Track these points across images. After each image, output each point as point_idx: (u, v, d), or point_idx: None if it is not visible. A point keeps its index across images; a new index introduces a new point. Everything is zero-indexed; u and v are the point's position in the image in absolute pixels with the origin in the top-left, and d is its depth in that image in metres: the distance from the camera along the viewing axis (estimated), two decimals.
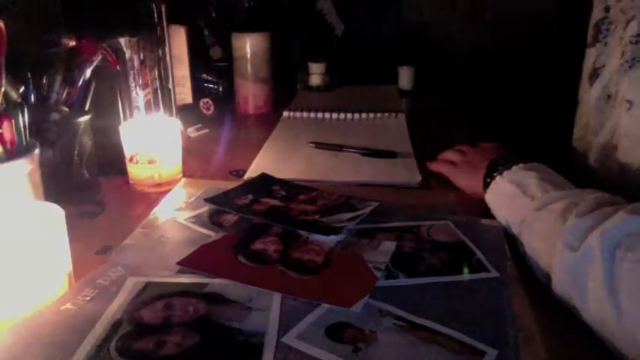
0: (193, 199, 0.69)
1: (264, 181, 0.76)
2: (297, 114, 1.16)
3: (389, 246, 0.56)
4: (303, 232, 0.59)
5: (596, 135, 0.69)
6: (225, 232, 0.60)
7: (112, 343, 0.41)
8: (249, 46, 1.19)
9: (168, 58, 1.00)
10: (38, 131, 0.64)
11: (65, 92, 0.71)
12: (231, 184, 0.74)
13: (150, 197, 0.73)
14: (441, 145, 0.82)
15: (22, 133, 0.56)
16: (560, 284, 0.47)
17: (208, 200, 0.67)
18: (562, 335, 0.44)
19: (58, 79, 0.70)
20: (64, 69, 0.70)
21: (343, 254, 0.55)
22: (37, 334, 0.42)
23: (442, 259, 0.54)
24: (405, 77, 1.45)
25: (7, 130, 0.54)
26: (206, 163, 0.89)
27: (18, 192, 0.55)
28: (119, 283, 0.49)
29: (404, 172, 0.81)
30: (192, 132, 1.05)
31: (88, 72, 0.72)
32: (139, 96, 0.86)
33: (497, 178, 0.62)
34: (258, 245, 0.57)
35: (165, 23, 0.98)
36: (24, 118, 0.56)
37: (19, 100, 0.60)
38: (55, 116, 0.68)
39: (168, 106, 1.01)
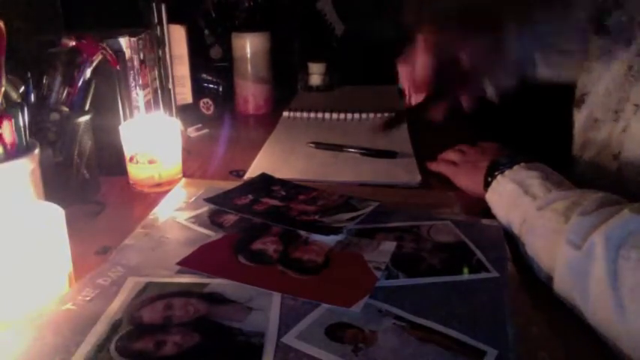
0: (193, 199, 0.69)
1: (264, 181, 0.76)
2: (297, 114, 1.16)
3: (389, 246, 0.56)
4: (303, 232, 0.59)
5: (584, 150, 0.71)
6: (225, 232, 0.60)
7: (112, 343, 0.41)
8: (249, 46, 1.19)
9: (168, 58, 1.00)
10: (38, 131, 0.64)
11: (65, 92, 0.71)
12: (231, 184, 0.74)
13: (150, 197, 0.73)
14: (441, 145, 0.82)
15: (22, 133, 0.56)
16: (563, 283, 0.47)
17: (208, 200, 0.67)
18: (562, 335, 0.44)
19: (58, 79, 0.70)
20: (64, 69, 0.70)
21: (343, 254, 0.55)
22: (37, 334, 0.42)
23: (442, 259, 0.54)
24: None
25: (7, 130, 0.54)
26: (206, 163, 0.89)
27: (18, 192, 0.55)
28: (119, 283, 0.49)
29: (404, 172, 0.81)
30: (192, 132, 1.05)
31: (88, 72, 0.72)
32: (139, 96, 0.86)
33: (499, 177, 0.62)
34: (258, 245, 0.57)
35: (165, 23, 0.98)
36: (24, 118, 0.56)
37: (19, 100, 0.60)
38: (55, 116, 0.68)
39: (168, 106, 1.01)
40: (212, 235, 0.59)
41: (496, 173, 0.63)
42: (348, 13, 1.62)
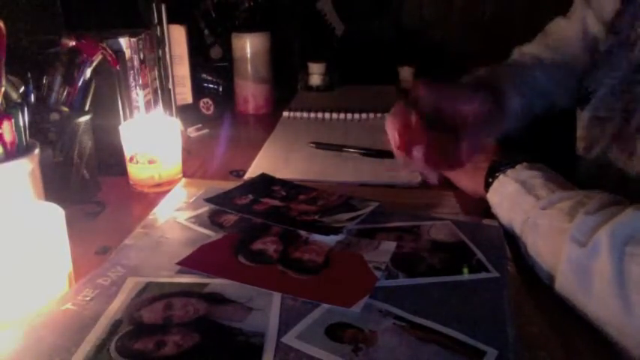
0: (193, 199, 0.69)
1: (264, 182, 0.76)
2: (297, 114, 1.16)
3: (389, 246, 0.56)
4: (303, 232, 0.59)
5: (589, 150, 0.71)
6: (225, 232, 0.60)
7: (112, 343, 0.41)
8: (249, 46, 1.19)
9: (168, 58, 1.00)
10: (38, 131, 0.64)
11: (65, 92, 0.71)
12: (231, 184, 0.74)
13: (150, 197, 0.73)
14: None
15: (22, 133, 0.56)
16: (566, 281, 0.47)
17: (208, 200, 0.67)
18: (563, 335, 0.44)
19: (58, 79, 0.70)
20: (64, 69, 0.70)
21: (343, 254, 0.55)
22: (37, 334, 0.42)
23: (442, 259, 0.54)
24: (405, 77, 1.45)
25: (7, 130, 0.54)
26: (206, 163, 0.89)
27: (18, 192, 0.55)
28: (119, 283, 0.49)
29: (404, 172, 0.81)
30: (192, 132, 1.05)
31: (88, 72, 0.72)
32: (139, 96, 0.86)
33: (501, 177, 0.62)
34: (258, 245, 0.57)
35: (165, 23, 0.98)
36: (24, 118, 0.56)
37: (19, 100, 0.60)
38: (55, 116, 0.68)
39: (168, 106, 1.01)
40: (212, 235, 0.59)
41: (497, 173, 0.63)
42: (348, 13, 1.63)
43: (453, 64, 1.62)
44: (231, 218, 0.63)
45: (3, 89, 0.55)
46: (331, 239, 0.58)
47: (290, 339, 0.42)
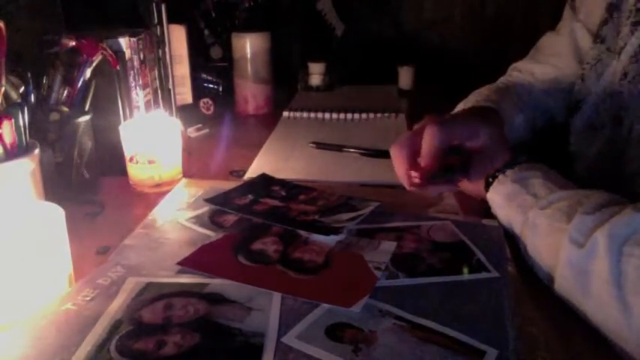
0: (193, 199, 0.69)
1: (264, 182, 0.76)
2: (297, 114, 1.16)
3: (389, 246, 0.56)
4: (303, 233, 0.59)
5: (581, 157, 0.73)
6: (225, 232, 0.60)
7: (112, 343, 0.41)
8: (249, 46, 1.19)
9: (168, 58, 1.00)
10: (38, 131, 0.64)
11: (65, 92, 0.71)
12: (231, 184, 0.74)
13: (150, 197, 0.73)
14: None
15: (22, 133, 0.56)
16: (565, 281, 0.47)
17: (208, 200, 0.67)
18: (563, 335, 0.44)
19: (58, 79, 0.70)
20: (64, 69, 0.70)
21: (343, 254, 0.55)
22: (38, 334, 0.42)
23: (442, 259, 0.54)
24: (405, 77, 1.45)
25: (7, 130, 0.54)
26: (206, 163, 0.89)
27: (18, 192, 0.55)
28: (119, 283, 0.49)
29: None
30: (192, 132, 1.05)
31: (88, 72, 0.72)
32: (139, 96, 0.86)
33: (501, 177, 0.62)
34: (258, 245, 0.57)
35: (165, 23, 0.98)
36: (24, 118, 0.56)
37: (19, 100, 0.60)
38: (55, 116, 0.68)
39: (168, 106, 1.01)
40: (212, 235, 0.59)
41: (497, 173, 0.63)
42: (348, 13, 1.63)
43: (452, 64, 1.63)
44: (231, 218, 0.63)
45: (3, 89, 0.55)
46: (331, 239, 0.58)
47: (290, 339, 0.42)
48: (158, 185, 0.75)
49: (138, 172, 0.75)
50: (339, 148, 0.92)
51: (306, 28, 1.53)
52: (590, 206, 0.48)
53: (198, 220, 0.63)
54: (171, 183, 0.76)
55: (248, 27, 1.24)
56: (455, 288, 0.49)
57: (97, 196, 0.74)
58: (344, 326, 0.43)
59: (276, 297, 0.47)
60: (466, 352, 0.40)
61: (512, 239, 0.58)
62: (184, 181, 0.78)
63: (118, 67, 0.78)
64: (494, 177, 0.63)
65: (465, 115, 0.67)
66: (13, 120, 0.54)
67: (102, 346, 0.41)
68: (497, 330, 0.43)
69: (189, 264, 0.53)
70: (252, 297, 0.47)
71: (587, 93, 0.71)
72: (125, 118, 0.82)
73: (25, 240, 0.44)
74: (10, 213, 0.49)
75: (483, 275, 0.51)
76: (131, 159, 0.74)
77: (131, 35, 0.83)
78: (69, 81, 0.71)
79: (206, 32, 1.25)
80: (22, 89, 0.64)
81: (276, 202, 0.68)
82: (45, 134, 0.67)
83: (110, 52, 0.75)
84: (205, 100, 1.17)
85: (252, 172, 0.82)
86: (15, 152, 0.55)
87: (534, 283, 0.52)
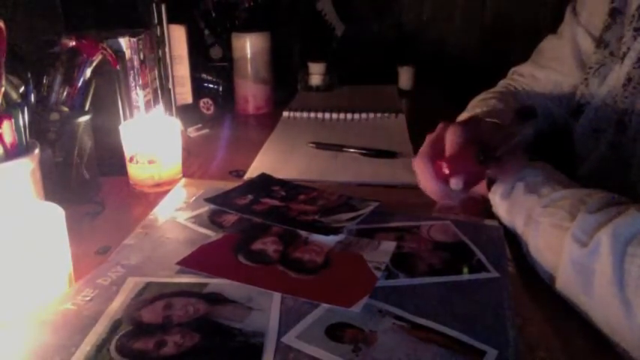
0: (193, 199, 0.69)
1: (264, 182, 0.76)
2: (297, 114, 1.16)
3: (389, 246, 0.56)
4: (303, 232, 0.59)
5: (584, 160, 0.73)
6: (225, 232, 0.60)
7: (112, 343, 0.41)
8: (249, 46, 1.19)
9: (168, 58, 1.00)
10: (38, 131, 0.64)
11: (65, 92, 0.71)
12: (231, 184, 0.74)
13: (150, 197, 0.73)
14: None
15: (22, 133, 0.56)
16: (567, 280, 0.47)
17: (208, 200, 0.67)
18: (563, 335, 0.44)
19: (58, 79, 0.70)
20: (64, 69, 0.70)
21: (343, 254, 0.55)
22: (37, 334, 0.42)
23: (442, 259, 0.54)
24: (405, 77, 1.45)
25: (7, 130, 0.54)
26: (206, 163, 0.89)
27: (18, 192, 0.55)
28: (119, 283, 0.49)
29: (404, 172, 0.81)
30: (192, 132, 1.05)
31: (88, 72, 0.72)
32: (139, 96, 0.86)
33: None
34: (258, 245, 0.57)
35: (165, 23, 0.98)
36: (24, 118, 0.56)
37: (19, 100, 0.60)
38: (55, 116, 0.68)
39: (168, 106, 1.01)
40: (212, 235, 0.59)
41: None
42: (348, 13, 1.63)
43: (452, 64, 1.63)
44: (231, 218, 0.63)
45: (3, 89, 0.55)
46: (331, 239, 0.58)
47: (290, 339, 0.42)
48: (158, 185, 0.75)
49: (138, 172, 0.75)
50: (339, 148, 0.92)
51: (306, 28, 1.53)
52: (594, 205, 0.48)
53: (198, 219, 0.63)
54: (171, 183, 0.76)
55: (248, 27, 1.24)
56: (455, 288, 0.49)
57: (97, 196, 0.74)
58: (344, 326, 0.43)
59: (276, 297, 0.47)
60: (466, 352, 0.40)
61: (512, 239, 0.58)
62: (184, 180, 0.78)
63: (118, 67, 0.78)
64: None
65: (482, 116, 0.68)
66: (13, 120, 0.54)
67: (102, 346, 0.41)
68: (497, 330, 0.43)
69: (189, 264, 0.53)
70: (252, 297, 0.47)
71: (591, 97, 0.72)
72: (125, 118, 0.82)
73: (25, 240, 0.44)
74: (10, 213, 0.49)
75: (483, 275, 0.51)
76: (131, 159, 0.74)
77: (131, 35, 0.83)
78: (69, 81, 0.71)
79: (206, 32, 1.25)
80: (22, 89, 0.64)
81: (276, 202, 0.68)
82: (45, 134, 0.67)
83: (110, 52, 0.75)
84: (205, 100, 1.17)
85: (252, 172, 0.82)
86: (15, 152, 0.55)
87: (534, 283, 0.52)
